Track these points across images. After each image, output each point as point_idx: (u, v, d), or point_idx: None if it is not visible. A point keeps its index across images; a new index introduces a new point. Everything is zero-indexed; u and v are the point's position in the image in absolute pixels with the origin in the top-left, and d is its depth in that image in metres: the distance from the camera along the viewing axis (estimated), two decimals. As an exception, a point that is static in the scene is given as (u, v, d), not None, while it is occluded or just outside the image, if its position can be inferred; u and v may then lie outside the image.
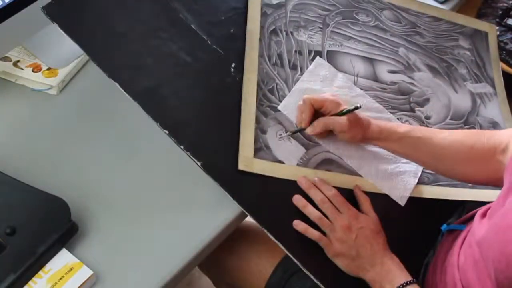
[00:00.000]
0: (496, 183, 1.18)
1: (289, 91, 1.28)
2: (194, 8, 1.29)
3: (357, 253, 1.11)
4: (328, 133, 1.24)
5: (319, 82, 1.33)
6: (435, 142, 1.19)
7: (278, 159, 1.18)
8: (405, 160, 1.30)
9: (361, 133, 1.20)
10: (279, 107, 1.25)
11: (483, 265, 0.97)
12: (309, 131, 1.21)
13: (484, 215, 1.06)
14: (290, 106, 1.26)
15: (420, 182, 1.30)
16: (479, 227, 1.04)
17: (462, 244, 1.12)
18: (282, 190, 1.16)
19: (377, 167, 1.27)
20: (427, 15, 1.63)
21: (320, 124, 1.20)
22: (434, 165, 1.24)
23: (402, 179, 1.28)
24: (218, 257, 1.39)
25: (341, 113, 1.19)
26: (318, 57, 1.37)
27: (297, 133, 1.23)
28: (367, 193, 1.22)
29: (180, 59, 1.21)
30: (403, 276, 1.10)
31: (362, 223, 1.14)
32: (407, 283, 1.08)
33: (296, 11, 1.43)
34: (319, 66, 1.36)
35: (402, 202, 1.26)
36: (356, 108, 1.18)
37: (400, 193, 1.26)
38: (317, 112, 1.23)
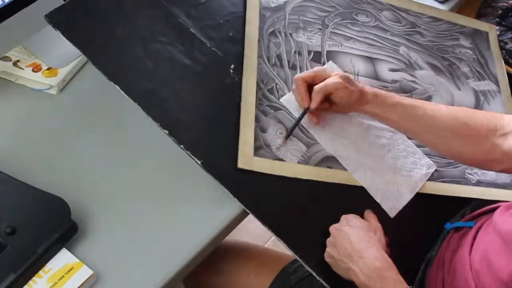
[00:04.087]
0: (487, 165, 1.18)
1: (289, 91, 1.28)
2: (193, 13, 1.30)
3: (338, 253, 1.08)
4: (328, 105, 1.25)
5: None
6: (430, 112, 1.17)
7: (278, 157, 1.18)
8: (405, 173, 1.28)
9: (358, 92, 1.19)
10: (281, 99, 1.25)
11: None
12: (312, 106, 1.20)
13: (508, 209, 1.04)
14: (292, 101, 1.27)
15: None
16: (504, 222, 1.02)
17: (472, 243, 1.11)
18: (283, 188, 1.16)
19: (373, 173, 1.26)
20: (426, 16, 1.63)
21: (316, 93, 1.19)
22: (426, 136, 1.20)
23: (398, 191, 1.26)
24: (203, 278, 1.38)
25: None
26: (330, 61, 1.38)
27: (299, 132, 1.24)
28: (354, 189, 1.23)
29: (180, 62, 1.22)
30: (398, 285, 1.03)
31: (351, 223, 1.12)
32: None
33: (294, 13, 1.43)
34: (330, 69, 1.35)
35: (392, 214, 1.24)
36: None
37: (393, 204, 1.25)
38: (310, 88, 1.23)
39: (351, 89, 1.18)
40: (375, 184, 1.24)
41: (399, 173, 1.28)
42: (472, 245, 1.10)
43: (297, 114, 1.25)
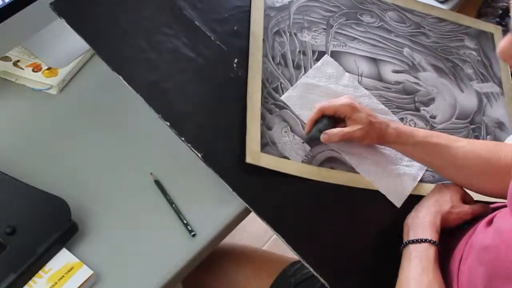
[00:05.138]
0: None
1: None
2: (198, 6, 1.31)
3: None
4: None
5: (324, 80, 1.33)
6: (452, 150, 1.18)
7: (283, 155, 1.18)
8: (405, 163, 1.29)
9: (376, 139, 1.21)
10: (282, 97, 1.26)
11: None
12: (323, 139, 1.21)
13: (489, 223, 1.04)
14: (293, 98, 1.27)
15: (426, 180, 1.30)
16: (480, 237, 1.02)
17: (460, 260, 1.10)
18: (283, 184, 1.16)
19: (376, 166, 1.26)
20: (431, 16, 1.62)
21: (335, 137, 1.20)
22: (450, 173, 1.22)
23: (401, 181, 1.27)
24: (202, 280, 1.37)
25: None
26: (326, 55, 1.37)
27: (302, 131, 1.24)
28: (370, 190, 1.23)
29: (184, 54, 1.22)
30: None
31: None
32: None
33: (299, 13, 1.43)
34: (326, 64, 1.36)
35: (399, 204, 1.24)
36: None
37: (398, 194, 1.25)
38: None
39: (371, 139, 1.21)
40: (379, 177, 1.25)
41: (400, 164, 1.29)
42: (460, 261, 1.10)
43: (298, 111, 1.25)
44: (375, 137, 1.20)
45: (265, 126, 1.20)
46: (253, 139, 1.16)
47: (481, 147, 1.19)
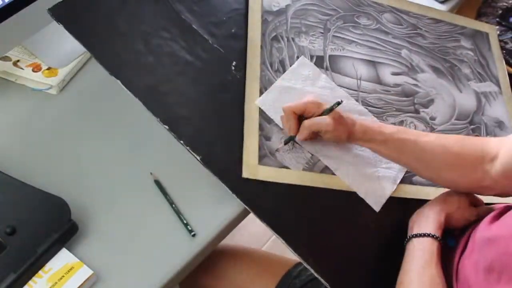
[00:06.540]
0: (481, 192, 1.19)
1: None
2: (195, 9, 1.30)
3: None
4: (316, 136, 1.23)
5: (300, 81, 1.31)
6: (420, 145, 1.17)
7: (283, 164, 1.18)
8: (384, 165, 1.28)
9: (346, 133, 1.18)
10: (256, 101, 1.24)
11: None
12: (298, 138, 1.20)
13: (494, 219, 1.05)
14: (268, 102, 1.25)
15: (425, 184, 1.30)
16: (487, 230, 1.03)
17: (460, 255, 1.10)
18: (283, 187, 1.16)
19: (354, 169, 1.25)
20: (427, 17, 1.62)
21: (305, 128, 1.18)
22: (419, 168, 1.21)
23: (380, 184, 1.26)
24: (203, 282, 1.37)
25: (324, 113, 1.18)
26: (302, 57, 1.36)
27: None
28: (353, 193, 1.23)
29: (182, 58, 1.22)
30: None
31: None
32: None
33: (296, 17, 1.42)
34: (302, 65, 1.34)
35: (377, 208, 1.23)
36: (338, 103, 1.16)
37: (376, 198, 1.24)
38: (300, 116, 1.21)
39: (340, 131, 1.18)
40: (358, 180, 1.24)
41: (379, 166, 1.28)
42: (460, 256, 1.10)
43: (273, 116, 1.23)
44: (343, 133, 1.18)
45: (264, 137, 1.20)
46: (250, 153, 1.16)
47: (450, 141, 1.19)
